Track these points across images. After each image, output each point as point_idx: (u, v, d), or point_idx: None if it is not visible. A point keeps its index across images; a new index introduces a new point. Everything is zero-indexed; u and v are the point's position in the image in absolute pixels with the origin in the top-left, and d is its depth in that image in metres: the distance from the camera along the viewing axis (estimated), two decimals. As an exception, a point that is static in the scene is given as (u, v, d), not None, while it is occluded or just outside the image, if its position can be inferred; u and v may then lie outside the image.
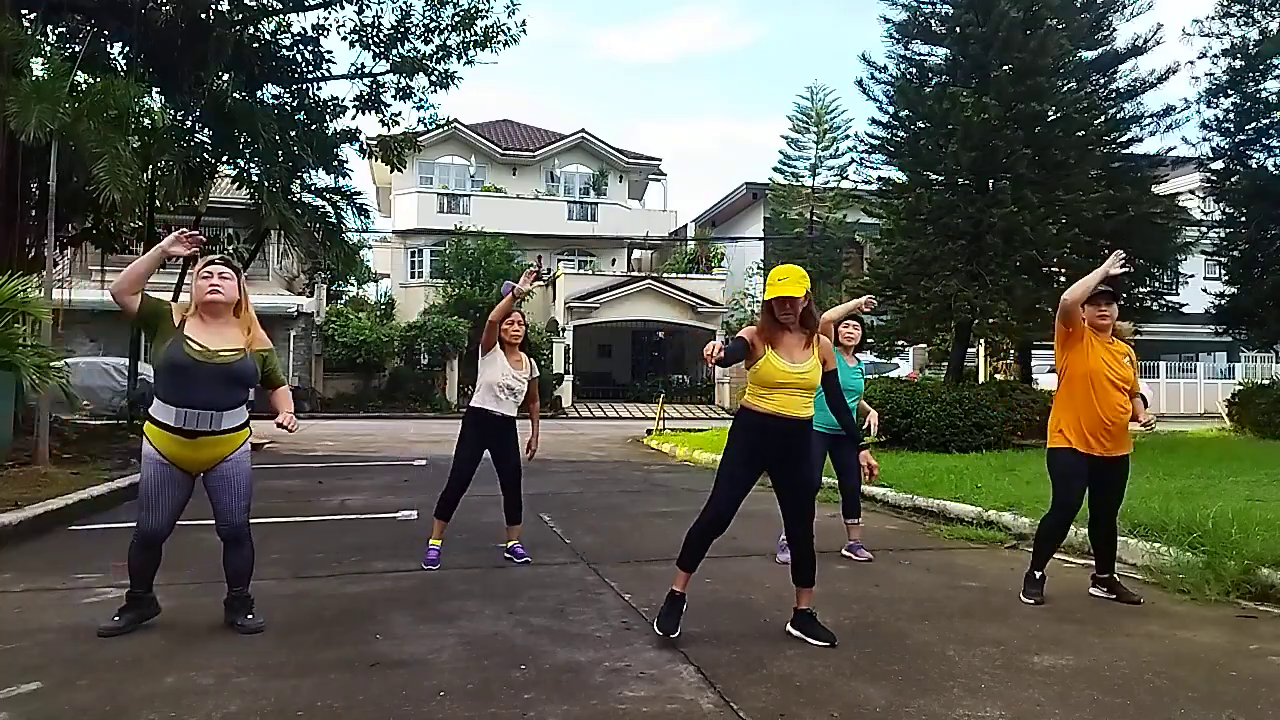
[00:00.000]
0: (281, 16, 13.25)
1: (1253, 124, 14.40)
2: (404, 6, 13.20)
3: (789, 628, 3.73)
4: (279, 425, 3.86)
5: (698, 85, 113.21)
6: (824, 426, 5.44)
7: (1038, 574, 4.36)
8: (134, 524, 3.74)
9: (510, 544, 5.25)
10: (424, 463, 10.99)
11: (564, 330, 27.15)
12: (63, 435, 9.90)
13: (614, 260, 32.34)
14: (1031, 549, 4.58)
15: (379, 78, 13.50)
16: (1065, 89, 12.59)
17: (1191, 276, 18.05)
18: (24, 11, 10.43)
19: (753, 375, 3.64)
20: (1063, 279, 12.59)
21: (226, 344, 3.65)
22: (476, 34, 13.25)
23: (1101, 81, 13.29)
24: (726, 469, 3.72)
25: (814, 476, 5.42)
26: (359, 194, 14.50)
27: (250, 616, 3.78)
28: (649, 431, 16.71)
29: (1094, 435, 4.28)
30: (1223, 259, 15.18)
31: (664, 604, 3.68)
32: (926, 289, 12.02)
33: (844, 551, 5.51)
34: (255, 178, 12.47)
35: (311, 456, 12.21)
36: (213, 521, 3.83)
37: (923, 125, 12.85)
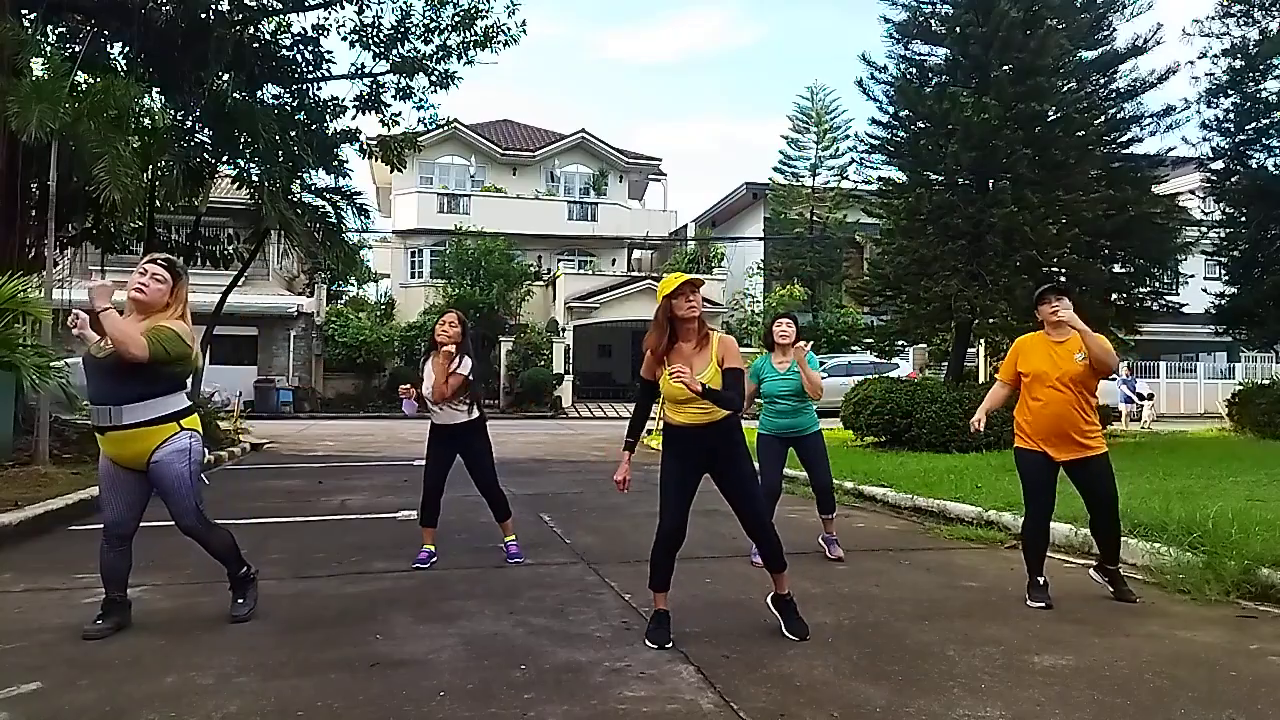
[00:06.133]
0: (281, 16, 13.24)
1: (1253, 124, 14.39)
2: (404, 6, 13.20)
3: (768, 600, 3.83)
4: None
5: (698, 85, 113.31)
6: (778, 429, 5.44)
7: (1040, 580, 4.31)
8: None
9: (506, 539, 5.26)
10: (423, 463, 10.97)
11: (564, 330, 27.14)
12: (63, 435, 9.90)
13: (614, 260, 32.34)
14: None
15: (379, 78, 13.49)
16: (1065, 89, 12.58)
17: (1191, 276, 18.05)
18: (24, 11, 10.42)
19: (662, 392, 3.72)
20: (1063, 279, 12.60)
21: None
22: (476, 34, 13.24)
23: (1101, 81, 13.28)
24: (665, 481, 3.74)
25: (773, 479, 5.38)
26: (359, 194, 14.50)
27: (240, 602, 3.79)
28: (649, 431, 16.69)
29: (1044, 438, 4.25)
30: (1223, 259, 15.17)
31: (650, 620, 3.71)
32: (926, 289, 12.02)
33: (820, 540, 5.48)
34: (255, 178, 12.47)
35: (311, 456, 12.21)
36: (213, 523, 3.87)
37: (923, 125, 12.85)
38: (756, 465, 5.47)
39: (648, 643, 3.57)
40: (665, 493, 3.73)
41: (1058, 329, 4.36)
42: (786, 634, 3.68)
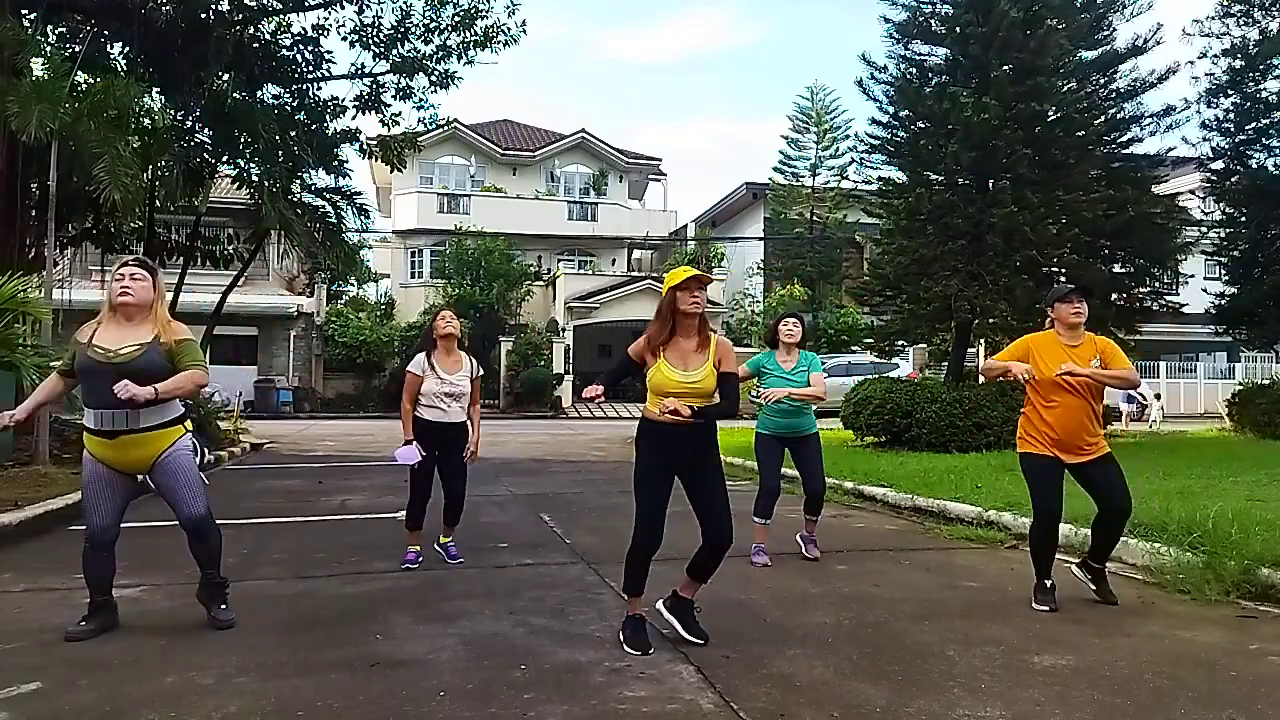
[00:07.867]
0: (281, 16, 13.24)
1: (1253, 124, 14.38)
2: (404, 7, 13.20)
3: (658, 605, 3.67)
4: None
5: (698, 85, 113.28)
6: (777, 429, 5.44)
7: (1047, 582, 4.27)
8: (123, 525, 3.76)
9: (444, 542, 5.24)
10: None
11: (564, 330, 27.15)
12: (63, 435, 9.90)
13: (614, 260, 32.35)
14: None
15: (379, 78, 13.48)
16: (1065, 89, 12.58)
17: (1191, 276, 18.04)
18: (24, 11, 10.42)
19: (648, 383, 3.55)
20: (1063, 279, 12.60)
21: (128, 342, 3.61)
22: (476, 34, 13.23)
23: (1101, 81, 13.28)
24: (643, 483, 3.55)
25: (772, 480, 5.37)
26: (359, 194, 14.48)
27: (223, 607, 3.79)
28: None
29: (1054, 443, 4.17)
30: (1223, 259, 15.17)
31: (627, 629, 3.56)
32: (926, 289, 12.02)
33: (798, 538, 5.47)
34: (255, 178, 12.46)
35: (311, 456, 12.21)
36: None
37: (923, 125, 12.85)
38: (756, 464, 5.47)
39: (628, 649, 3.46)
40: (643, 497, 3.53)
41: (1073, 332, 4.24)
42: (686, 636, 3.56)
